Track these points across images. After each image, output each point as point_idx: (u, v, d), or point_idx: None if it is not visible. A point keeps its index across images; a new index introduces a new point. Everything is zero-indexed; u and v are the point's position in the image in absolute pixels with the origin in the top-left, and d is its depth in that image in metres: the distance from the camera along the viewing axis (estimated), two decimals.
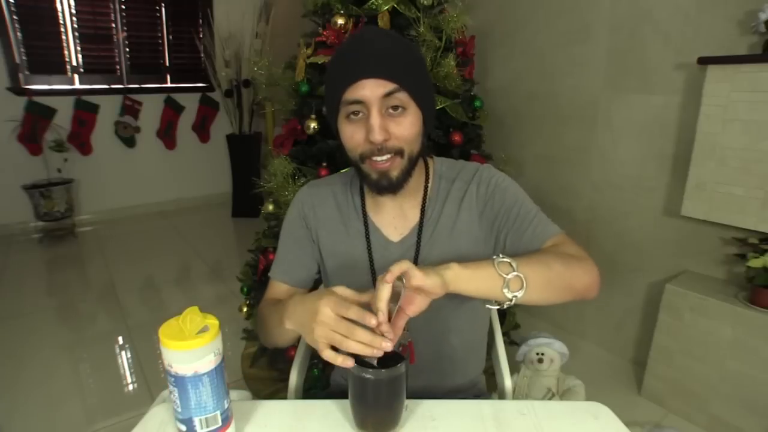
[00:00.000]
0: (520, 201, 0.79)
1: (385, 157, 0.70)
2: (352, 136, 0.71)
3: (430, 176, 0.83)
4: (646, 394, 1.68)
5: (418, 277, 0.57)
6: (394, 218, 0.82)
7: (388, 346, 0.55)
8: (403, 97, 0.69)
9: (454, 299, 0.72)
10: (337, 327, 0.56)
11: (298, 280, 0.86)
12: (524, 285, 0.62)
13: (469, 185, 0.81)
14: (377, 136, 0.68)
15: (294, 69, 1.49)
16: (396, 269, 0.57)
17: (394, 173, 0.72)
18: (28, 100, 3.19)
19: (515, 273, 0.62)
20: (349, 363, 0.56)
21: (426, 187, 0.82)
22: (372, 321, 0.55)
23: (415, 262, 0.78)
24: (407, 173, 0.74)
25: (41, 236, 3.29)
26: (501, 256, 0.64)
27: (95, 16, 3.40)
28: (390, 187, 0.73)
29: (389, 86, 0.67)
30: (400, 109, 0.69)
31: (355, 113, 0.70)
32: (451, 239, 0.79)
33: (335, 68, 0.72)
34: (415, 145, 0.73)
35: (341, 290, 0.61)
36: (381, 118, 0.68)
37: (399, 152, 0.71)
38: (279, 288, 0.86)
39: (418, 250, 0.79)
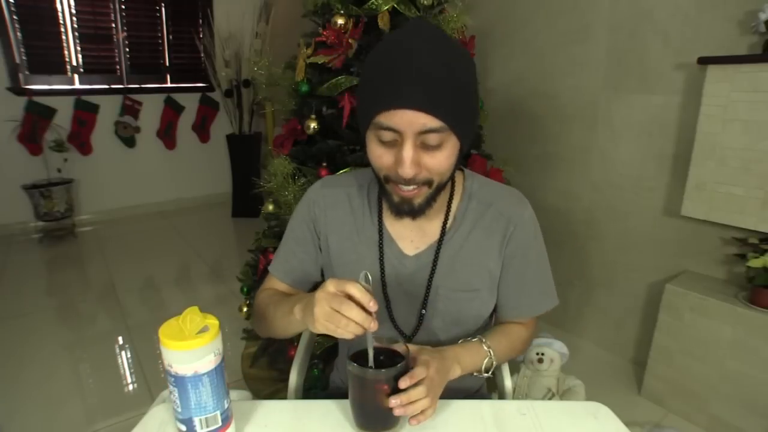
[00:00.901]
0: (541, 268, 0.79)
1: (411, 187, 0.65)
2: (380, 156, 0.65)
3: (457, 192, 0.78)
4: (646, 394, 1.68)
5: (422, 366, 0.61)
6: (411, 231, 0.77)
7: (374, 326, 0.56)
8: (444, 132, 0.61)
9: (452, 332, 0.77)
10: (332, 302, 0.56)
11: (297, 282, 0.84)
12: (492, 367, 0.74)
13: (509, 222, 0.75)
14: (408, 171, 0.62)
15: (294, 69, 1.49)
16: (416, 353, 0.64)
17: (418, 200, 0.67)
18: (28, 100, 3.19)
19: (493, 366, 0.74)
20: (374, 326, 0.56)
21: (450, 204, 0.77)
22: (372, 305, 0.56)
23: (429, 282, 0.75)
24: (431, 200, 0.68)
25: (41, 236, 3.29)
26: (492, 353, 0.73)
27: (95, 16, 3.40)
28: (411, 213, 0.69)
29: (431, 123, 0.59)
30: (437, 141, 0.63)
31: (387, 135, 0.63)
32: (472, 271, 0.76)
33: (372, 78, 0.63)
34: (446, 175, 0.67)
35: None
36: (414, 151, 0.61)
37: (427, 183, 0.66)
38: (277, 284, 0.85)
39: (434, 270, 0.75)
